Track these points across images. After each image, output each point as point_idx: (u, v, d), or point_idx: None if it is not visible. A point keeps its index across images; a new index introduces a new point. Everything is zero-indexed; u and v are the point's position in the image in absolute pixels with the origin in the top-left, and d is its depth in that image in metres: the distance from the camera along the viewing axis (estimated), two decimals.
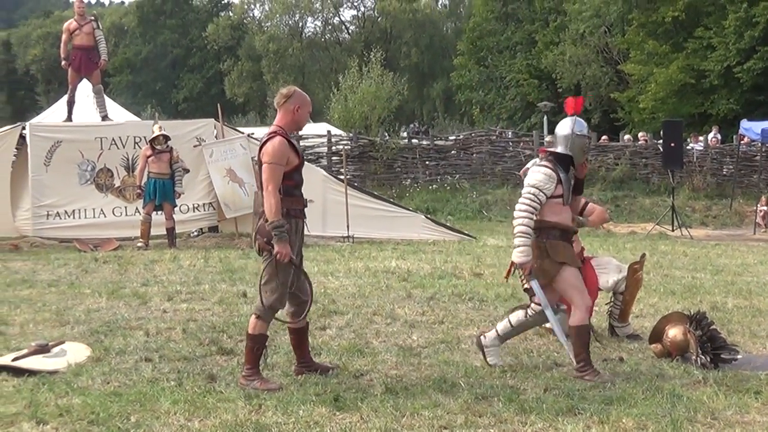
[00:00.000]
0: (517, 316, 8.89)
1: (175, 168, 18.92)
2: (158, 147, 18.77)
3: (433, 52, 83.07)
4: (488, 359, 8.64)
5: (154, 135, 18.88)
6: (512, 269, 8.93)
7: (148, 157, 18.72)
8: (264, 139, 7.92)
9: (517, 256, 8.47)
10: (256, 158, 8.36)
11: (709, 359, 8.66)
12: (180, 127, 20.94)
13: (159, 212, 18.78)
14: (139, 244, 18.47)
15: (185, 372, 8.20)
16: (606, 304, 10.46)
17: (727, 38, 44.26)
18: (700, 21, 46.82)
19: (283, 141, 7.79)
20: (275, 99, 8.20)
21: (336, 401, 7.22)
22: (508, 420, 6.88)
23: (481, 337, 8.78)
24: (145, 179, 18.76)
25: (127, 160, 20.05)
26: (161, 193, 18.72)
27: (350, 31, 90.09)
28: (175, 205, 19.12)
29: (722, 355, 8.78)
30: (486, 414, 7.01)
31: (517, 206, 8.60)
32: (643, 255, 10.87)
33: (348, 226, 19.78)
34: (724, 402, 7.42)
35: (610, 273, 10.33)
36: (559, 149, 9.22)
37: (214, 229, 20.77)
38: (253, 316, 7.97)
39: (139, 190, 19.02)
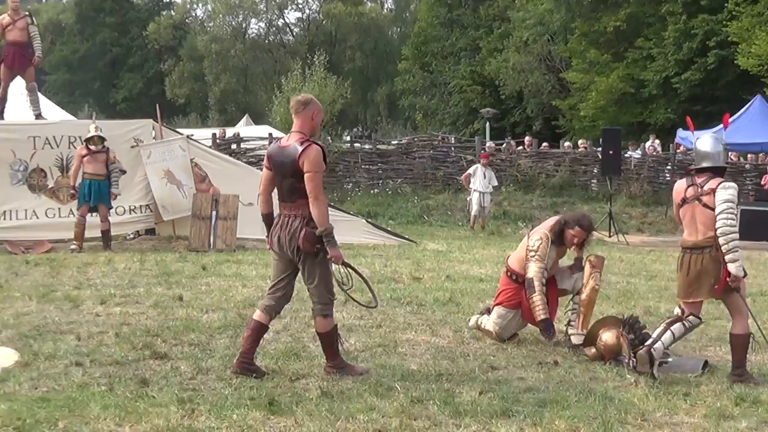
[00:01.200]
0: (678, 327, 8.91)
1: (112, 169, 18.52)
2: (94, 147, 18.34)
3: (378, 57, 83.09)
4: (655, 373, 8.54)
5: (89, 135, 18.46)
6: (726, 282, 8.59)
7: (83, 157, 18.30)
8: (298, 148, 8.10)
9: (739, 269, 8.48)
10: (269, 164, 8.56)
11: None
12: (117, 127, 20.59)
13: (94, 214, 18.37)
14: (73, 247, 18.11)
15: (117, 376, 8.08)
16: (565, 312, 10.47)
17: (666, 49, 44.81)
18: (640, 32, 47.33)
19: (319, 150, 8.11)
20: (292, 105, 8.47)
21: (270, 405, 7.17)
22: (443, 423, 6.89)
23: (651, 351, 8.64)
24: (79, 180, 18.34)
25: (62, 160, 19.54)
26: (96, 194, 18.28)
27: (294, 34, 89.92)
28: (111, 207, 18.70)
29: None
30: (421, 417, 7.01)
31: (726, 220, 8.49)
32: (602, 257, 10.84)
33: None
34: (654, 404, 7.53)
35: (564, 276, 10.41)
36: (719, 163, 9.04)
37: (151, 231, 20.50)
38: (319, 318, 8.38)
39: (73, 191, 18.52)
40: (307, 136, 8.24)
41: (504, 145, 36.50)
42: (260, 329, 8.50)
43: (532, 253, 9.84)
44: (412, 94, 67.76)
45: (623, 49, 48.09)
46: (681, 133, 30.38)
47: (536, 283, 9.64)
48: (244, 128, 41.25)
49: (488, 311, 10.55)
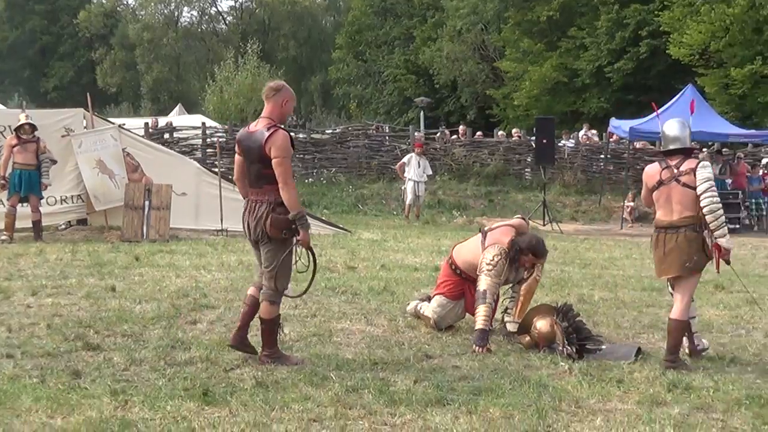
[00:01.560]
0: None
1: (42, 159, 18.22)
2: (24, 136, 18.07)
3: (312, 46, 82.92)
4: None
5: (19, 123, 18.18)
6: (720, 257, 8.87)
7: (13, 147, 18.01)
8: (264, 134, 8.14)
9: (729, 243, 8.76)
10: (239, 149, 8.56)
11: (574, 350, 8.84)
12: (48, 116, 20.33)
13: (24, 204, 18.12)
14: (3, 238, 17.83)
15: (49, 368, 7.98)
16: (502, 300, 10.49)
17: (599, 39, 45.26)
18: (573, 21, 47.74)
19: (286, 135, 8.18)
20: (264, 91, 8.49)
21: (205, 396, 7.13)
22: (378, 412, 6.89)
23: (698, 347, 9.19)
24: (9, 170, 18.08)
25: None
26: (27, 184, 18.02)
27: (227, 22, 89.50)
28: (42, 197, 18.43)
29: (587, 346, 9.00)
30: (356, 406, 7.01)
31: (713, 198, 8.68)
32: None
33: (222, 219, 19.60)
34: (588, 391, 7.59)
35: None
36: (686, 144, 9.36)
37: (82, 221, 20.25)
38: (266, 303, 8.38)
39: (2, 181, 18.18)
40: (275, 122, 8.29)
41: (438, 134, 36.57)
42: (257, 304, 8.57)
43: (490, 268, 9.68)
44: (346, 83, 67.76)
45: (556, 38, 48.47)
46: (614, 122, 30.66)
47: (489, 297, 9.55)
48: (177, 117, 41.02)
49: (429, 298, 10.58)
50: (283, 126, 8.36)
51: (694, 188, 8.74)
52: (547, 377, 8.04)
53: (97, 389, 7.32)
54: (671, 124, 9.52)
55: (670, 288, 9.37)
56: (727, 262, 8.95)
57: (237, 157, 8.61)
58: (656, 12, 41.58)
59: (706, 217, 8.64)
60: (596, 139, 36.41)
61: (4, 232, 18.01)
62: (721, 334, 10.38)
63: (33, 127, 18.23)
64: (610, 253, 19.23)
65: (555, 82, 47.01)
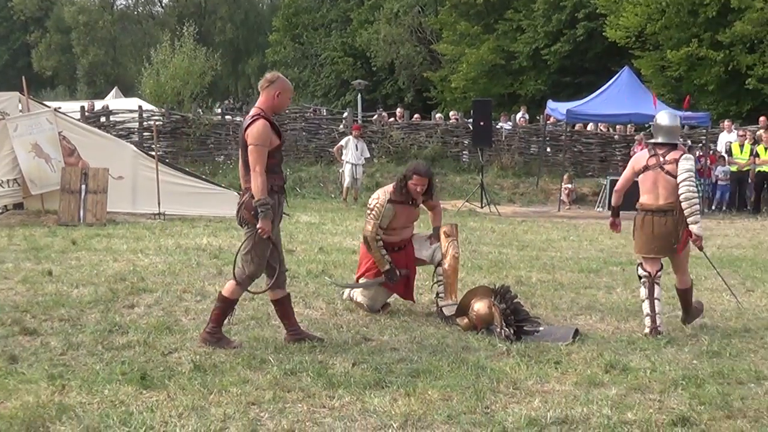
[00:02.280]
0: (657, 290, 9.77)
1: None
2: None
3: (249, 28, 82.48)
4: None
5: None
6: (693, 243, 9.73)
7: None
8: (247, 122, 8.33)
9: (700, 229, 9.56)
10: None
11: (512, 331, 8.92)
12: None
13: None
14: None
15: None
16: (432, 286, 10.57)
17: (536, 21, 45.52)
18: (510, 4, 47.96)
19: (266, 123, 8.27)
20: (259, 83, 8.65)
21: (143, 379, 7.12)
22: (316, 394, 6.91)
23: (659, 328, 9.57)
24: None
25: None
26: None
27: (163, 5, 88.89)
28: None
29: (525, 327, 9.06)
30: (294, 389, 7.03)
31: (690, 187, 9.48)
32: (455, 224, 10.91)
33: (159, 203, 19.51)
34: (526, 372, 7.64)
35: (423, 245, 10.50)
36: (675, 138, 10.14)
37: (19, 206, 20.05)
38: (232, 282, 8.51)
39: None
40: (264, 112, 8.40)
41: (376, 117, 36.56)
42: (282, 303, 8.79)
43: (368, 212, 10.11)
44: (283, 66, 67.36)
45: (493, 21, 48.62)
46: (551, 104, 30.80)
47: (370, 242, 9.92)
48: (114, 101, 40.63)
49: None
50: (266, 116, 8.38)
51: (676, 177, 9.52)
52: (485, 359, 8.08)
53: (35, 374, 7.29)
54: (663, 115, 10.23)
55: (642, 267, 9.91)
56: (700, 248, 9.84)
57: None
58: None
59: (682, 204, 9.44)
60: (526, 117, 36.56)
61: None
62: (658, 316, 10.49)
63: None
64: (547, 235, 19.38)
65: (492, 64, 47.20)
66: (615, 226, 10.59)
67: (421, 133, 34.48)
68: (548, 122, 33.12)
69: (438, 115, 38.97)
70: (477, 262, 13.71)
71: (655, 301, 9.64)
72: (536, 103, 41.97)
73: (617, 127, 33.90)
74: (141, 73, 42.57)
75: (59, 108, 22.59)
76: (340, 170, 27.85)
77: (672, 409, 6.74)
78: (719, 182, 28.00)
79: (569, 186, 28.87)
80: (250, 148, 8.21)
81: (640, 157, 10.08)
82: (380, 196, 10.09)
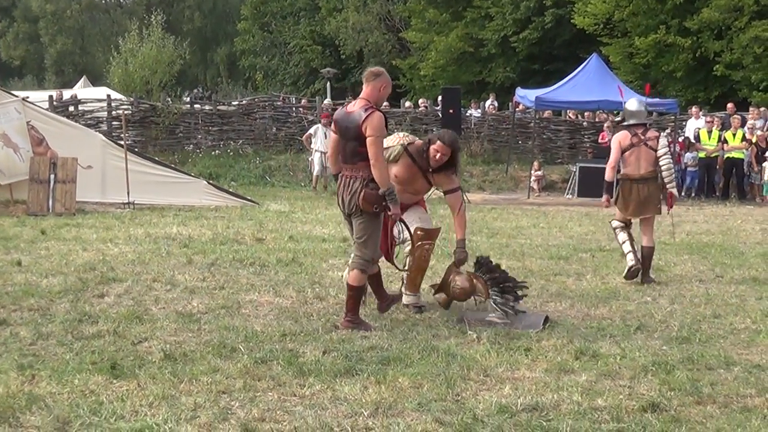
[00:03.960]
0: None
1: None
2: None
3: (217, 17, 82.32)
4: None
5: None
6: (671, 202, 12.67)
7: None
8: (362, 114, 8.63)
9: (676, 191, 12.82)
10: (335, 128, 9.09)
11: (512, 298, 9.04)
12: None
13: None
14: None
15: None
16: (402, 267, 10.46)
17: (504, 8, 45.53)
18: None
19: (381, 116, 8.65)
20: (365, 75, 9.05)
21: (113, 369, 7.10)
22: (287, 383, 6.91)
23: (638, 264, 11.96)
24: None
25: None
26: None
27: None
28: None
29: (517, 292, 9.17)
30: (265, 378, 7.02)
31: (669, 159, 12.19)
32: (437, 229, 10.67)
33: (128, 193, 19.46)
34: (496, 359, 7.65)
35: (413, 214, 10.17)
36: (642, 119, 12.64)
37: None
38: (355, 270, 8.88)
39: None
40: (372, 104, 8.74)
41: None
42: (376, 277, 9.37)
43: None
44: (252, 55, 67.38)
45: (461, 8, 48.60)
46: (519, 91, 30.85)
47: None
48: (82, 90, 40.52)
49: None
50: (379, 108, 8.76)
51: (656, 150, 12.03)
52: (455, 346, 8.09)
53: (4, 364, 7.26)
54: (632, 102, 12.84)
55: (617, 219, 12.38)
56: (670, 206, 12.64)
57: (333, 135, 9.25)
58: None
59: (663, 172, 12.00)
60: (492, 109, 36.63)
61: None
62: (627, 302, 10.52)
63: None
64: (517, 222, 19.42)
65: (461, 52, 47.20)
66: (609, 201, 12.58)
67: (391, 121, 33.76)
68: (517, 109, 33.16)
69: (407, 103, 38.99)
70: (447, 250, 13.72)
71: (633, 241, 12.08)
72: (505, 91, 42.04)
73: (585, 114, 33.98)
74: (109, 62, 42.31)
75: (27, 97, 22.45)
76: (310, 158, 27.86)
77: (642, 395, 6.77)
78: (688, 168, 28.11)
79: (538, 173, 28.94)
80: (369, 139, 8.56)
81: (622, 137, 12.19)
82: (401, 135, 10.00)
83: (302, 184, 28.93)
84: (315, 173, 27.10)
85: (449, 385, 6.87)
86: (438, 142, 9.58)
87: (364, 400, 6.51)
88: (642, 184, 12.05)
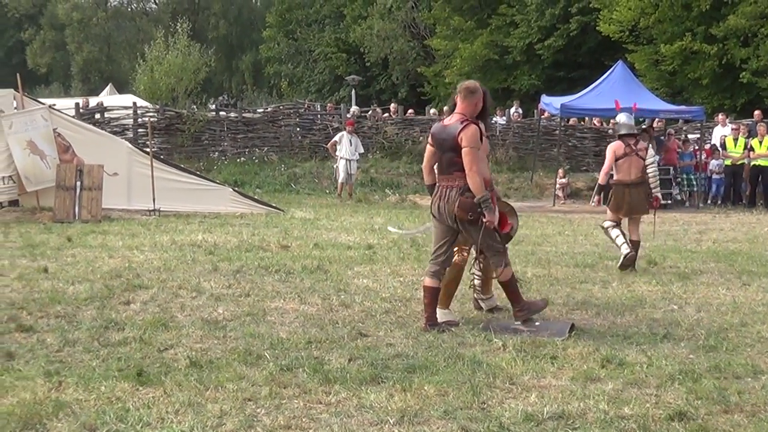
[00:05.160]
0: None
1: None
2: None
3: (242, 24, 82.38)
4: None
5: None
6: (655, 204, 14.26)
7: None
8: (457, 127, 9.00)
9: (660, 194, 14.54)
10: (432, 141, 9.49)
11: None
12: None
13: None
14: None
15: None
16: (470, 273, 10.48)
17: (530, 16, 45.39)
18: None
19: (476, 128, 9.01)
20: (459, 90, 9.34)
21: (139, 376, 7.10)
22: (312, 390, 6.89)
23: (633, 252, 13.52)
24: None
25: None
26: None
27: (157, 2, 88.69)
28: None
29: None
30: (290, 385, 7.01)
31: (655, 167, 14.25)
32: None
33: (154, 200, 19.53)
34: (522, 367, 7.60)
35: None
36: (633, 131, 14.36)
37: (14, 202, 20.04)
38: (499, 268, 9.25)
39: None
40: (467, 117, 9.08)
41: (370, 112, 36.54)
42: (435, 293, 9.34)
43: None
44: (277, 62, 67.40)
45: (486, 15, 48.54)
46: (545, 98, 30.83)
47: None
48: (108, 97, 40.71)
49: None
50: (475, 121, 9.09)
51: (644, 159, 13.67)
52: (481, 354, 8.06)
53: (31, 371, 7.28)
54: (622, 116, 14.68)
55: (613, 230, 13.78)
56: (656, 207, 14.44)
57: (428, 147, 9.63)
58: None
59: (650, 179, 13.78)
60: (517, 116, 36.56)
61: None
62: (653, 310, 10.46)
63: None
64: (542, 230, 19.38)
65: (486, 59, 47.13)
66: (599, 203, 14.26)
67: (415, 128, 34.51)
68: (542, 117, 33.11)
69: (432, 111, 38.97)
70: (471, 258, 13.72)
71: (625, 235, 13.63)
72: (530, 98, 41.99)
73: (611, 121, 33.87)
74: (135, 69, 42.53)
75: (54, 105, 22.60)
76: (335, 166, 27.89)
77: (669, 404, 6.72)
78: (714, 176, 28.03)
79: (563, 181, 28.90)
80: (465, 150, 8.90)
81: (616, 147, 13.79)
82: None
83: (327, 192, 28.97)
84: (340, 180, 27.14)
85: (475, 393, 6.84)
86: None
87: (389, 408, 6.49)
88: (633, 188, 13.67)
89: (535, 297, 10.95)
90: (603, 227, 14.09)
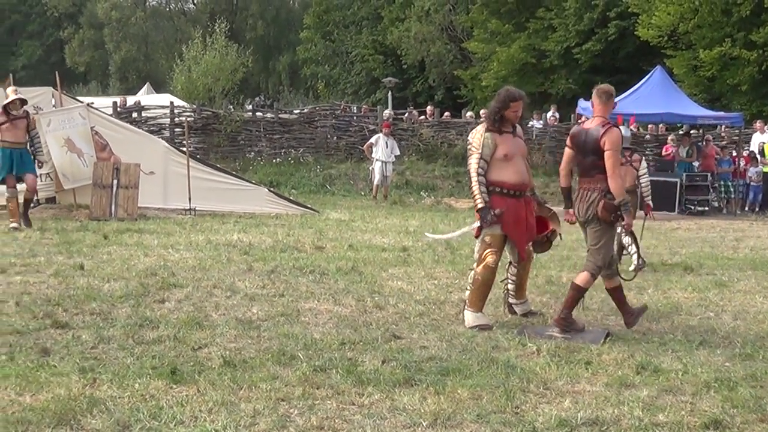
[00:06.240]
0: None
1: (33, 135, 17.37)
2: (14, 112, 17.05)
3: (279, 25, 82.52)
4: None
5: (9, 99, 17.12)
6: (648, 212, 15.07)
7: (2, 124, 16.93)
8: (600, 131, 9.26)
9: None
10: (572, 144, 9.79)
11: None
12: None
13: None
14: (14, 225, 16.56)
15: (17, 346, 7.97)
16: (501, 281, 10.46)
17: (567, 20, 45.19)
18: (541, 2, 47.59)
19: (618, 132, 9.32)
20: (597, 93, 9.61)
21: (173, 374, 7.13)
22: (346, 391, 6.89)
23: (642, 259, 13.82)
24: None
25: None
26: (19, 163, 17.00)
27: (195, 2, 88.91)
28: (38, 176, 17.83)
29: None
30: (324, 386, 7.02)
31: (648, 176, 15.28)
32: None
33: (190, 199, 19.58)
34: (556, 372, 7.58)
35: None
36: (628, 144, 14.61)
37: (51, 200, 20.14)
38: (586, 273, 9.39)
39: None
40: (608, 120, 9.39)
41: (406, 114, 36.54)
42: (617, 290, 9.74)
43: (469, 147, 9.97)
44: (314, 63, 67.47)
45: (524, 19, 48.36)
46: (582, 103, 30.66)
47: (472, 174, 9.74)
48: (145, 96, 40.83)
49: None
50: (615, 124, 9.51)
51: (637, 170, 14.92)
52: (515, 358, 8.04)
53: (66, 367, 7.31)
54: (621, 130, 13.94)
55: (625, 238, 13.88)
56: (647, 214, 15.08)
57: (567, 150, 9.91)
58: None
59: (643, 188, 15.00)
60: (554, 120, 36.43)
61: (12, 220, 16.79)
62: (689, 317, 10.41)
63: (23, 102, 17.35)
64: (578, 234, 18.96)
65: (523, 63, 46.98)
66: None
67: (451, 131, 34.47)
68: (579, 121, 32.97)
69: (468, 114, 38.95)
70: (504, 261, 13.66)
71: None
72: (567, 102, 41.80)
73: (649, 127, 33.74)
74: (173, 69, 42.74)
75: (92, 103, 22.70)
76: (370, 168, 27.88)
77: (704, 412, 6.68)
78: (752, 183, 27.84)
79: None
80: (607, 153, 9.14)
81: None
82: (478, 129, 9.98)
83: (362, 193, 28.96)
84: (375, 182, 27.13)
85: (509, 397, 6.82)
86: (512, 104, 9.77)
87: (422, 411, 6.48)
88: (629, 195, 13.86)
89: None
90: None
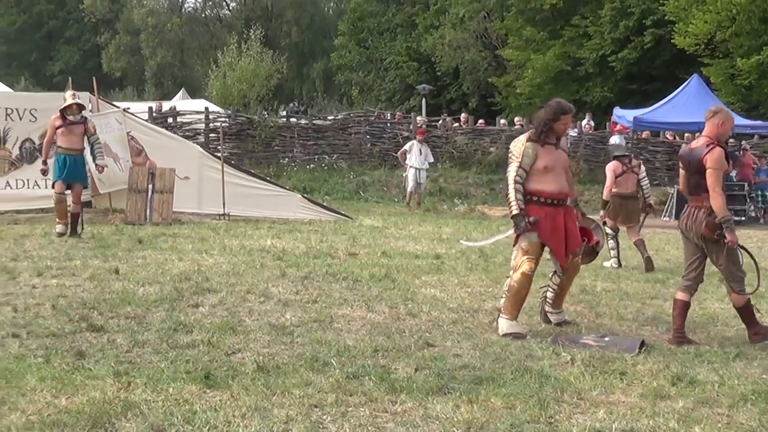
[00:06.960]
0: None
1: (93, 141, 17.13)
2: (71, 117, 16.74)
3: (314, 32, 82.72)
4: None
5: (66, 104, 16.83)
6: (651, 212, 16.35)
7: (57, 128, 16.67)
8: (703, 150, 9.32)
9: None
10: (681, 164, 9.91)
11: None
12: (54, 99, 20.01)
13: (67, 192, 16.71)
14: (60, 229, 16.41)
15: (53, 348, 7.99)
16: (540, 287, 10.45)
17: (603, 27, 45.12)
18: (577, 9, 47.53)
19: (722, 151, 9.33)
20: (704, 114, 9.86)
21: (207, 379, 7.13)
22: (379, 399, 6.87)
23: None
24: (52, 153, 16.94)
25: None
26: (71, 171, 16.66)
27: (230, 8, 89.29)
28: (86, 186, 17.76)
29: None
30: (357, 393, 7.00)
31: (647, 180, 15.99)
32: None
33: (224, 204, 19.65)
34: (591, 382, 7.52)
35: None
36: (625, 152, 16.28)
37: (87, 204, 20.15)
38: (734, 294, 9.59)
39: (44, 167, 17.01)
40: (713, 140, 9.39)
41: (440, 121, 36.54)
42: (685, 306, 9.62)
43: (510, 156, 9.97)
44: (348, 70, 67.63)
45: (560, 26, 48.33)
46: (617, 111, 30.62)
47: (510, 182, 9.72)
48: (181, 102, 41.07)
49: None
50: (720, 144, 9.41)
51: (638, 175, 15.70)
52: (549, 368, 7.98)
53: (101, 370, 7.33)
54: (614, 138, 17.54)
55: (611, 228, 15.75)
56: (655, 213, 17.04)
57: (680, 170, 10.03)
58: (661, 1, 41.30)
59: (645, 191, 15.76)
60: (588, 128, 36.36)
61: (58, 221, 16.65)
62: (726, 328, 10.33)
63: (81, 107, 17.07)
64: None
65: (558, 70, 46.94)
66: (605, 216, 15.56)
67: (485, 138, 34.46)
68: (614, 129, 32.87)
69: (502, 121, 38.89)
70: (540, 269, 13.62)
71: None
72: (602, 110, 41.70)
73: (685, 135, 33.59)
74: (208, 75, 43.00)
75: (128, 108, 22.81)
76: (404, 174, 27.89)
77: (741, 425, 6.62)
78: None
79: None
80: (709, 171, 9.17)
81: (614, 166, 15.72)
82: (520, 138, 10.02)
83: (396, 200, 28.99)
84: (409, 189, 27.14)
85: (542, 407, 6.77)
86: (563, 116, 9.87)
87: (455, 419, 6.46)
88: (628, 201, 15.79)
89: (604, 311, 10.90)
90: (606, 232, 14.82)
